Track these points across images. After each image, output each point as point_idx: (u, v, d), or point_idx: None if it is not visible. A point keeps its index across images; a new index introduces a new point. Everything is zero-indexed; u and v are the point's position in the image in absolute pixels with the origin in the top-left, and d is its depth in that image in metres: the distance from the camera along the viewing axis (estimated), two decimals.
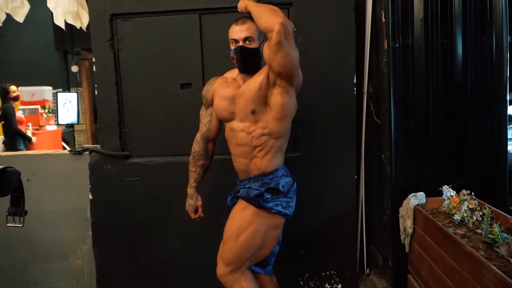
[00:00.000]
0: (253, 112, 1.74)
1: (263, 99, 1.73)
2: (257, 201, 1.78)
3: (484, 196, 1.98)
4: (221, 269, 1.88)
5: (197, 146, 2.01)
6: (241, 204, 1.84)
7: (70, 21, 2.80)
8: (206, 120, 1.97)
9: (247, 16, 1.74)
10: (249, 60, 1.74)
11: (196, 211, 2.04)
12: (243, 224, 1.80)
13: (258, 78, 1.73)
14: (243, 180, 1.88)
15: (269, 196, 1.78)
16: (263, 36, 1.73)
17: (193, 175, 2.04)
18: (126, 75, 2.41)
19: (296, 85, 1.75)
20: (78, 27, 2.88)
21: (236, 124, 1.82)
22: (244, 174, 1.87)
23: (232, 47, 1.75)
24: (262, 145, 1.78)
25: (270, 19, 1.54)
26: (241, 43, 1.72)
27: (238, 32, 1.73)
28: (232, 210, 1.88)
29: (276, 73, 1.65)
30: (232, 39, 1.75)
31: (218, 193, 2.27)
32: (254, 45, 1.73)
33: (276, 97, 1.72)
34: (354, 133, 2.37)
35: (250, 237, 1.78)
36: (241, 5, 1.74)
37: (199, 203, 2.02)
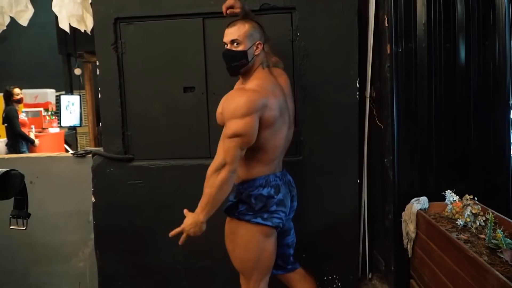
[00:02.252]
0: None
1: None
2: (233, 214, 1.77)
3: (487, 201, 1.97)
4: (241, 279, 1.86)
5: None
6: (227, 218, 1.84)
7: (74, 25, 2.81)
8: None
9: (242, 18, 1.78)
10: (232, 63, 1.75)
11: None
12: (232, 237, 1.80)
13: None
14: (235, 185, 1.87)
15: (243, 208, 1.74)
16: (257, 37, 1.75)
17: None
18: (130, 78, 2.42)
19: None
20: (83, 31, 2.90)
21: None
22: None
23: None
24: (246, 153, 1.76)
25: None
26: (228, 46, 1.75)
27: (227, 35, 1.76)
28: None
29: None
30: (223, 42, 1.79)
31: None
32: (241, 47, 1.73)
33: None
34: (356, 137, 2.37)
35: (243, 249, 1.76)
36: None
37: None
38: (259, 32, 1.78)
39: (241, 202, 1.75)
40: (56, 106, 7.13)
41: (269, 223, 1.73)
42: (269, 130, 1.70)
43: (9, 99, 5.47)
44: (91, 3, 2.59)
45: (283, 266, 1.94)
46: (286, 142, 1.83)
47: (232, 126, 1.62)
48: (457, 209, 1.89)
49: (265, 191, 1.74)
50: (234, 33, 1.73)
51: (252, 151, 1.71)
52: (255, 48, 1.75)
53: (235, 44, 1.74)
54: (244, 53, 1.73)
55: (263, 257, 1.76)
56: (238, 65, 1.75)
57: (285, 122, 1.78)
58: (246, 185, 1.76)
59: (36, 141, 5.73)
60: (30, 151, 5.60)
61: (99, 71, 2.43)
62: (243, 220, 1.74)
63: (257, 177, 1.75)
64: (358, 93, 2.33)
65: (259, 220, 1.72)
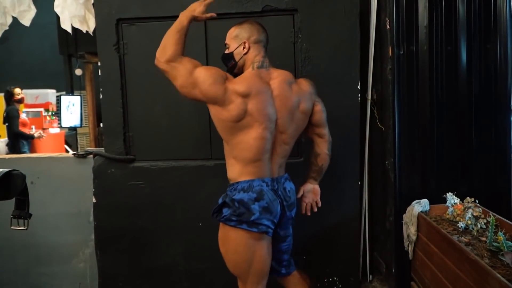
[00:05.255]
0: None
1: None
2: (219, 218, 1.75)
3: (488, 204, 1.97)
4: (238, 283, 1.84)
5: None
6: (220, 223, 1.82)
7: (77, 25, 2.81)
8: None
9: (239, 23, 1.82)
10: (226, 64, 1.85)
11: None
12: (223, 241, 1.79)
13: None
14: None
15: (227, 213, 1.71)
16: (244, 37, 1.78)
17: None
18: (131, 79, 2.42)
19: (211, 102, 1.72)
20: (85, 31, 2.90)
21: None
22: None
23: None
24: (224, 148, 1.80)
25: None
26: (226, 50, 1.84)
27: (227, 37, 1.86)
28: None
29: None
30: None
31: (219, 197, 2.27)
32: (229, 50, 1.83)
33: None
34: (357, 139, 2.37)
35: (235, 252, 1.74)
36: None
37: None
38: (247, 31, 1.79)
39: (226, 206, 1.74)
40: (57, 107, 7.13)
41: (254, 229, 1.69)
42: (220, 123, 1.74)
43: (10, 99, 5.47)
44: (93, 4, 2.60)
45: (277, 270, 1.92)
46: (267, 144, 1.73)
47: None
48: (458, 212, 1.89)
49: (245, 196, 1.69)
50: (226, 38, 1.85)
51: (227, 144, 1.77)
52: (242, 48, 1.78)
53: (226, 47, 1.84)
54: (230, 55, 1.81)
55: (255, 260, 1.73)
56: (230, 67, 1.83)
57: (260, 123, 1.70)
58: (231, 187, 1.76)
59: (36, 134, 5.69)
60: (32, 150, 5.60)
61: (101, 72, 2.43)
62: (229, 225, 1.72)
63: (240, 181, 1.73)
64: (359, 95, 2.33)
65: (244, 226, 1.69)
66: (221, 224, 1.78)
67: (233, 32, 1.81)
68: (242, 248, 1.72)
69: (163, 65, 1.72)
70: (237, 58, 1.79)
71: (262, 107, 1.71)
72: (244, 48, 1.78)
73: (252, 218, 1.67)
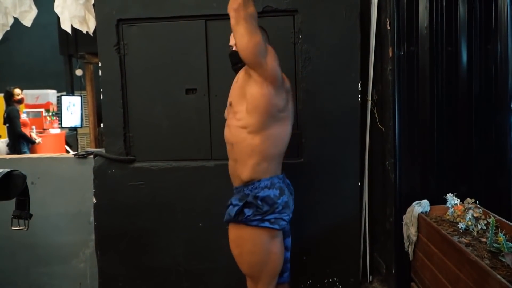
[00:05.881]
0: (230, 104, 1.80)
1: (240, 91, 1.76)
2: (240, 220, 1.74)
3: (489, 205, 1.97)
4: (248, 283, 1.84)
5: None
6: (230, 223, 1.81)
7: (77, 26, 2.81)
8: None
9: None
10: (235, 64, 1.84)
11: None
12: (238, 242, 1.77)
13: (240, 73, 1.81)
14: (234, 188, 1.85)
15: (249, 213, 1.71)
16: None
17: None
18: (132, 80, 2.43)
19: (269, 79, 1.67)
20: (85, 32, 2.90)
21: (227, 121, 1.86)
22: (233, 180, 1.85)
23: None
24: (241, 144, 1.73)
25: (228, 4, 1.62)
26: (234, 48, 1.82)
27: (231, 38, 1.84)
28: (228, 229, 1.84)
29: (244, 59, 1.67)
30: (230, 45, 1.88)
31: (220, 198, 2.27)
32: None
33: (250, 87, 1.71)
34: (358, 140, 2.37)
35: (251, 253, 1.75)
36: None
37: None
38: None
39: (247, 206, 1.73)
40: (57, 107, 7.14)
41: (276, 226, 1.72)
42: (263, 114, 1.69)
43: (10, 100, 5.48)
44: (93, 5, 2.60)
45: (280, 272, 1.90)
46: (288, 140, 1.81)
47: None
48: (459, 213, 1.89)
49: (271, 193, 1.72)
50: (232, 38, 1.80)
51: (253, 136, 1.70)
52: None
53: (231, 47, 1.83)
54: (238, 53, 1.77)
55: (270, 259, 1.75)
56: (238, 66, 1.82)
57: (289, 118, 1.80)
58: (251, 186, 1.74)
59: (38, 140, 5.74)
60: (32, 151, 5.61)
61: (101, 72, 2.43)
62: (250, 225, 1.72)
63: (262, 179, 1.74)
64: (359, 95, 2.33)
65: (266, 224, 1.71)
66: (234, 226, 1.78)
67: None
68: (258, 248, 1.73)
69: (243, 14, 1.58)
70: None
71: (293, 104, 1.84)
72: None
73: (276, 215, 1.71)
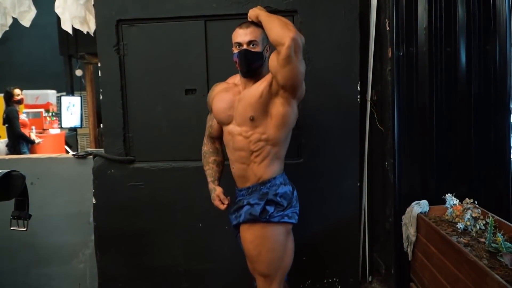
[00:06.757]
0: (252, 119, 1.73)
1: (263, 107, 1.72)
2: (264, 218, 1.74)
3: (488, 205, 1.98)
4: (260, 283, 1.82)
5: (205, 146, 2.01)
6: (246, 224, 1.79)
7: (77, 26, 2.81)
8: (208, 124, 1.98)
9: (251, 22, 1.75)
10: (252, 64, 1.72)
11: (222, 201, 1.89)
12: (258, 242, 1.76)
13: (260, 86, 1.72)
14: (241, 189, 1.84)
15: (272, 210, 1.74)
16: (266, 41, 1.73)
17: (209, 172, 1.96)
18: (131, 80, 2.43)
19: (299, 97, 1.74)
20: (85, 32, 2.90)
21: (233, 128, 1.80)
22: (242, 182, 1.84)
23: (236, 51, 1.73)
24: (259, 150, 1.75)
25: (281, 32, 1.54)
26: (245, 46, 1.71)
27: (242, 35, 1.71)
28: (241, 231, 1.83)
29: (281, 85, 1.66)
30: (236, 42, 1.73)
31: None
32: (257, 49, 1.71)
33: (278, 107, 1.71)
34: (357, 140, 2.37)
35: (271, 251, 1.76)
36: (251, 15, 1.73)
37: (217, 191, 1.88)
38: (266, 37, 1.75)
39: (268, 204, 1.75)
40: (57, 107, 7.14)
41: (293, 220, 1.79)
42: (289, 128, 1.78)
43: (10, 100, 5.47)
44: (93, 5, 2.60)
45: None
46: None
47: None
48: (458, 213, 1.90)
49: (287, 189, 1.80)
50: (252, 34, 1.71)
51: (273, 146, 1.76)
52: (265, 51, 1.76)
53: (251, 45, 1.71)
54: (261, 55, 1.73)
55: (286, 255, 1.80)
56: (257, 66, 1.73)
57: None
58: (268, 184, 1.77)
59: (37, 140, 5.74)
60: (31, 151, 5.61)
61: (101, 73, 2.43)
62: (272, 222, 1.74)
63: (276, 176, 1.78)
64: (359, 96, 2.34)
65: (286, 219, 1.76)
66: (251, 226, 1.77)
67: (262, 32, 1.71)
68: (278, 245, 1.77)
69: (300, 43, 1.57)
70: (264, 59, 1.75)
71: None
72: (267, 52, 1.76)
73: (292, 209, 1.78)
